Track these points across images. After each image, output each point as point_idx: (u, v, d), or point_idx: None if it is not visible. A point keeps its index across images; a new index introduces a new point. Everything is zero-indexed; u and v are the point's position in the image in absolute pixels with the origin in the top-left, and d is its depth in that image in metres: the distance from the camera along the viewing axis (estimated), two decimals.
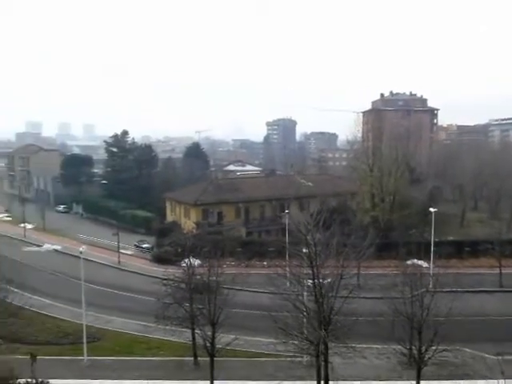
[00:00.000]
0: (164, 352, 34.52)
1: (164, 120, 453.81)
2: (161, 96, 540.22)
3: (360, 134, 79.26)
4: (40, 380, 15.34)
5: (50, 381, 21.62)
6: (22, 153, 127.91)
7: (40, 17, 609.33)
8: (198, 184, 77.81)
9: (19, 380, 14.84)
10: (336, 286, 23.61)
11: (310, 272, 24.35)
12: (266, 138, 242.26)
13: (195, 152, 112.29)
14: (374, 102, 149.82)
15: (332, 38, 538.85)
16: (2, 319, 25.99)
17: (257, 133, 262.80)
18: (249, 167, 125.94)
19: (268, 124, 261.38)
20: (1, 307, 26.12)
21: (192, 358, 32.07)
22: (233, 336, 29.48)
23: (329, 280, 23.94)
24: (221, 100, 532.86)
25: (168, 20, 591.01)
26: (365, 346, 31.06)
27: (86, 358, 32.90)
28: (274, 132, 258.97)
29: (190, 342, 31.82)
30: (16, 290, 28.91)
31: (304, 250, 25.21)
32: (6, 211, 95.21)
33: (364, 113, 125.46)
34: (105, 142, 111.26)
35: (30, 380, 15.20)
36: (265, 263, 55.80)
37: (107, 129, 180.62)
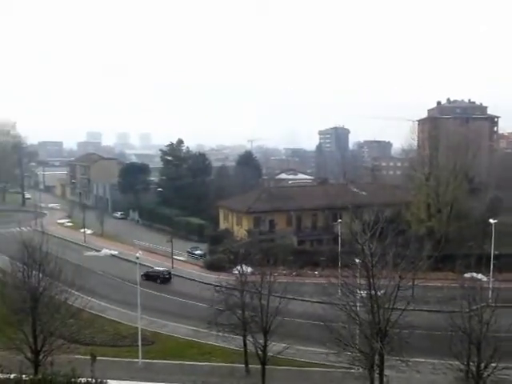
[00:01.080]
0: (216, 358, 34.94)
1: (217, 129, 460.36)
2: (215, 106, 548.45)
3: (416, 143, 77.44)
4: (99, 380, 15.93)
5: (108, 381, 22.37)
6: (83, 161, 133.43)
7: (102, 26, 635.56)
8: (250, 192, 78.46)
9: (80, 379, 15.48)
10: (393, 297, 23.17)
11: (365, 282, 24.04)
12: (319, 146, 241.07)
13: (248, 160, 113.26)
14: (430, 110, 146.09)
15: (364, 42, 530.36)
16: (63, 320, 27.16)
17: (309, 141, 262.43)
18: (301, 176, 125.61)
19: (320, 133, 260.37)
20: (62, 308, 27.25)
21: (243, 365, 32.28)
22: (284, 345, 29.47)
23: (384, 291, 23.54)
24: (273, 108, 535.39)
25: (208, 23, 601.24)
26: (420, 359, 30.24)
27: (140, 360, 33.81)
28: (327, 141, 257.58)
29: (242, 349, 32.06)
30: (77, 292, 30.08)
31: (357, 260, 24.95)
32: (68, 217, 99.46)
33: (420, 121, 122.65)
34: (160, 150, 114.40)
35: (89, 379, 15.82)
36: (316, 272, 55.46)
37: (163, 138, 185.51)
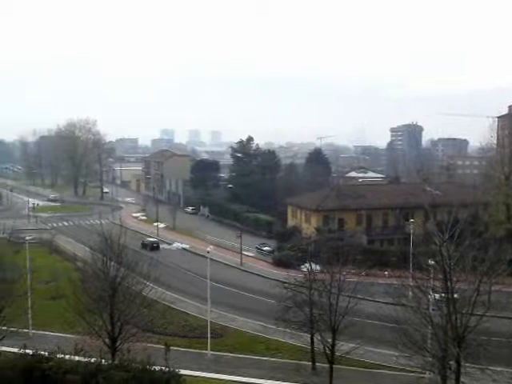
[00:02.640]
0: (282, 354, 35.16)
1: (286, 127, 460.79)
2: (284, 103, 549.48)
3: (495, 140, 73.61)
4: (172, 369, 16.53)
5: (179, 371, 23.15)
6: (156, 158, 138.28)
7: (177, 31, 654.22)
8: (319, 190, 77.98)
9: (154, 367, 16.14)
10: (472, 302, 22.21)
11: (440, 285, 23.20)
12: (390, 144, 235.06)
13: (317, 158, 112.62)
14: (511, 107, 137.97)
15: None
16: (138, 309, 28.36)
17: (380, 139, 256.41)
18: (371, 174, 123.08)
19: (392, 130, 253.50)
20: (138, 299, 28.45)
21: (310, 363, 32.24)
22: (353, 345, 29.10)
23: (462, 295, 22.60)
24: (344, 105, 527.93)
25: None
26: (498, 368, 28.78)
27: (209, 352, 34.68)
28: (399, 138, 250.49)
29: (309, 347, 32.03)
30: (151, 284, 31.32)
31: (431, 262, 24.15)
32: (143, 211, 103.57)
33: (499, 118, 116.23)
34: (231, 147, 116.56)
35: (163, 368, 16.45)
36: (386, 273, 54.17)
37: (232, 135, 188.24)
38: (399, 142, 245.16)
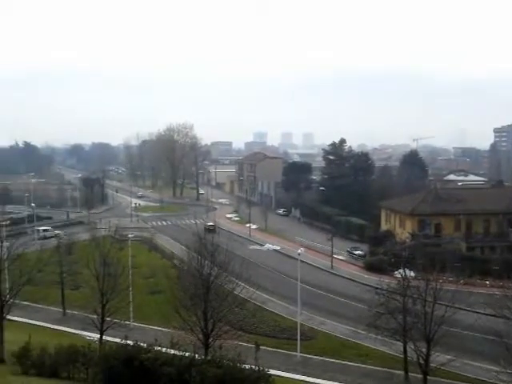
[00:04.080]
0: (373, 361, 34.38)
1: (380, 128, 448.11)
2: (377, 105, 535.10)
3: None
4: (261, 368, 16.81)
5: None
6: (249, 160, 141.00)
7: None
8: (415, 193, 75.07)
9: (244, 365, 16.53)
10: None
11: None
12: (493, 145, 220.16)
13: (412, 160, 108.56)
14: None
15: None
16: (230, 308, 29.18)
17: (482, 141, 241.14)
18: (472, 177, 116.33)
19: (496, 130, 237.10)
20: (230, 297, 29.27)
21: (403, 372, 31.23)
22: (449, 356, 27.80)
23: None
24: (441, 106, 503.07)
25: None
26: None
27: (298, 354, 34.79)
28: (503, 139, 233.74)
29: (401, 356, 31.04)
30: (242, 283, 32.07)
31: None
32: (235, 212, 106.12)
33: None
34: (323, 150, 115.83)
35: (253, 366, 16.77)
36: (487, 282, 51.09)
37: (325, 137, 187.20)
38: (504, 144, 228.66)
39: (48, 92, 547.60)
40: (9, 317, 28.00)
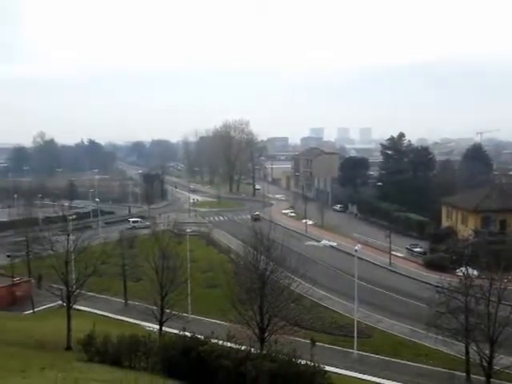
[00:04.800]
0: (433, 361, 33.44)
1: (442, 121, 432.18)
2: (437, 97, 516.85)
3: None
4: (317, 364, 16.77)
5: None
6: (306, 156, 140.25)
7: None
8: (478, 189, 72.13)
9: (300, 360, 16.56)
10: None
11: None
12: None
13: (476, 154, 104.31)
14: None
15: None
16: (286, 303, 29.23)
17: None
18: None
19: None
20: (286, 293, 29.32)
21: (464, 374, 30.20)
22: None
23: None
24: (507, 97, 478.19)
25: None
26: None
27: (355, 351, 34.40)
28: None
29: (463, 357, 30.00)
30: (298, 279, 32.05)
31: None
32: (291, 207, 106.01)
33: None
34: (381, 144, 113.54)
35: (308, 362, 16.78)
36: None
37: (383, 132, 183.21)
38: None
39: (111, 92, 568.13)
40: (75, 306, 29.43)
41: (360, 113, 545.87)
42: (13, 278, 48.32)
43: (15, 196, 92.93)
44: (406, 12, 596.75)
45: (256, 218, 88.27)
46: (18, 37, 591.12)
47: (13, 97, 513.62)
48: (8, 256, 51.09)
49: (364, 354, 34.67)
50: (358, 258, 39.66)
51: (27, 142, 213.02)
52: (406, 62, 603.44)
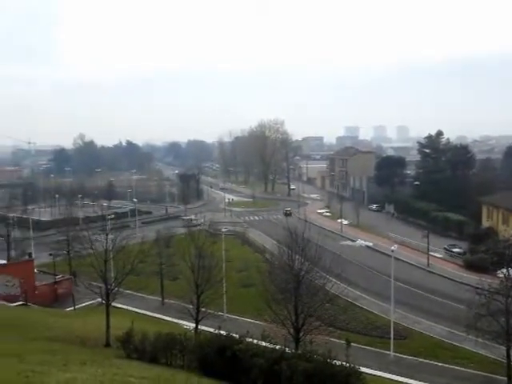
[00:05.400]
0: (473, 365, 32.68)
1: (482, 119, 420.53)
2: (478, 93, 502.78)
3: None
4: (352, 365, 16.66)
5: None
6: (341, 155, 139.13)
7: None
8: None
9: (335, 361, 16.48)
10: None
11: None
12: None
13: None
14: None
15: None
16: (321, 303, 29.11)
17: None
18: None
19: None
20: (321, 293, 29.20)
21: (505, 378, 29.35)
22: None
23: None
24: None
25: None
26: None
27: (392, 353, 33.96)
28: None
29: (504, 360, 29.19)
30: (333, 279, 31.90)
31: None
32: (327, 207, 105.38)
33: None
34: (418, 143, 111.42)
35: (343, 363, 16.68)
36: None
37: (420, 130, 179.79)
38: None
39: (149, 94, 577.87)
40: (114, 304, 30.14)
41: (397, 111, 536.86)
42: (55, 275, 49.96)
43: (57, 196, 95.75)
44: (446, 7, 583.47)
45: (288, 213, 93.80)
46: (58, 41, 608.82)
47: (54, 100, 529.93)
48: (50, 254, 52.86)
49: (400, 355, 34.21)
50: (395, 258, 39.13)
51: (68, 143, 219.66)
52: (445, 59, 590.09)
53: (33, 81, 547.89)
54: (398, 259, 49.66)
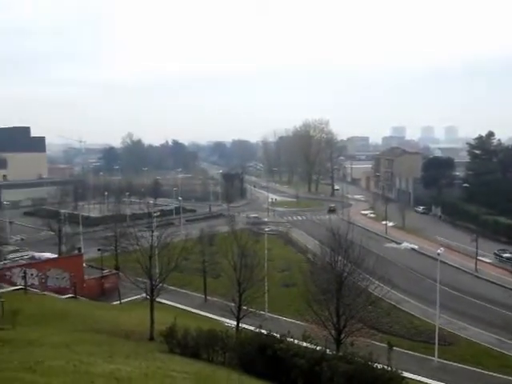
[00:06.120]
0: None
1: None
2: None
3: None
4: (394, 369, 16.41)
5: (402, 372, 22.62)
6: (387, 155, 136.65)
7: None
8: None
9: (376, 364, 16.26)
10: None
11: None
12: None
13: None
14: None
15: None
16: (364, 306, 28.79)
17: None
18: None
19: None
20: (363, 295, 28.89)
21: None
22: None
23: None
24: None
25: None
26: None
27: (436, 359, 33.16)
28: None
29: None
30: (376, 281, 31.47)
31: None
32: (371, 208, 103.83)
33: None
34: (467, 144, 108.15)
35: (385, 367, 16.46)
36: None
37: (470, 130, 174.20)
38: None
39: (195, 94, 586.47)
40: (158, 299, 30.81)
41: (445, 111, 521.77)
42: (102, 270, 51.54)
43: (106, 193, 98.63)
44: (501, 2, 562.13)
45: (332, 210, 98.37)
46: (108, 43, 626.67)
47: (105, 100, 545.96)
48: (99, 249, 54.56)
49: (445, 362, 33.35)
50: (441, 262, 38.18)
51: (117, 142, 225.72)
52: (499, 56, 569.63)
53: (83, 82, 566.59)
54: (444, 263, 48.39)
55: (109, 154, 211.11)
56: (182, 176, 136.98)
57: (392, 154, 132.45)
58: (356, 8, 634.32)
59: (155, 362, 16.11)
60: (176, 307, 42.51)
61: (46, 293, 40.72)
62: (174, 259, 28.96)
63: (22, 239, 74.31)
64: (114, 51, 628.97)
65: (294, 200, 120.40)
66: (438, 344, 33.78)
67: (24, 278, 40.78)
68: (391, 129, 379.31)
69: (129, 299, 44.14)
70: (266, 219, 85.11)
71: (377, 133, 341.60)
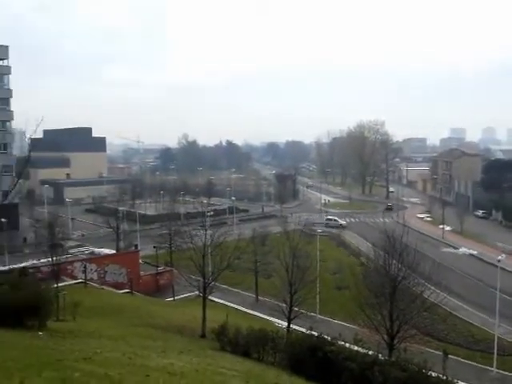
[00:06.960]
0: None
1: None
2: None
3: None
4: (450, 378, 15.91)
5: (458, 382, 21.86)
6: (445, 157, 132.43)
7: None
8: None
9: (430, 372, 15.82)
10: None
11: None
12: None
13: None
14: None
15: None
16: (418, 311, 27.95)
17: None
18: None
19: None
20: (418, 300, 28.07)
21: None
22: None
23: None
24: None
25: None
26: None
27: (495, 369, 31.88)
28: None
29: None
30: (432, 287, 30.56)
31: None
32: (428, 212, 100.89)
33: None
34: None
35: (440, 375, 15.98)
36: None
37: None
38: None
39: (249, 95, 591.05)
40: (210, 297, 31.30)
41: (508, 111, 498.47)
42: (157, 267, 52.90)
43: (161, 192, 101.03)
44: None
45: (389, 208, 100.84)
46: (164, 45, 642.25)
47: (161, 101, 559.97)
48: (154, 247, 56.02)
49: (505, 373, 31.95)
50: (502, 268, 36.60)
51: (173, 143, 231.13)
52: None
53: (141, 83, 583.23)
54: (504, 270, 46.31)
55: (165, 154, 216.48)
56: (235, 176, 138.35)
57: (450, 156, 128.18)
58: (413, 7, 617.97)
59: (206, 359, 16.38)
60: (227, 306, 42.97)
61: (104, 287, 42.26)
62: (226, 258, 29.33)
63: (83, 235, 77.36)
64: (173, 53, 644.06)
65: (347, 201, 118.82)
66: (497, 354, 32.41)
67: (84, 272, 42.55)
68: (450, 130, 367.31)
69: (182, 296, 45.05)
70: (343, 223, 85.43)
71: (435, 134, 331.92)
